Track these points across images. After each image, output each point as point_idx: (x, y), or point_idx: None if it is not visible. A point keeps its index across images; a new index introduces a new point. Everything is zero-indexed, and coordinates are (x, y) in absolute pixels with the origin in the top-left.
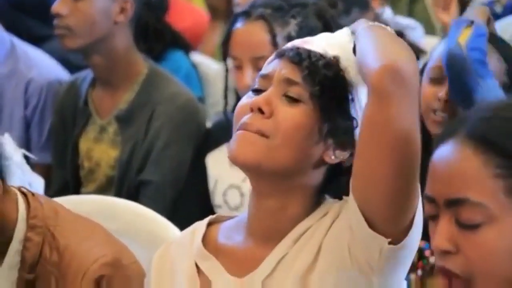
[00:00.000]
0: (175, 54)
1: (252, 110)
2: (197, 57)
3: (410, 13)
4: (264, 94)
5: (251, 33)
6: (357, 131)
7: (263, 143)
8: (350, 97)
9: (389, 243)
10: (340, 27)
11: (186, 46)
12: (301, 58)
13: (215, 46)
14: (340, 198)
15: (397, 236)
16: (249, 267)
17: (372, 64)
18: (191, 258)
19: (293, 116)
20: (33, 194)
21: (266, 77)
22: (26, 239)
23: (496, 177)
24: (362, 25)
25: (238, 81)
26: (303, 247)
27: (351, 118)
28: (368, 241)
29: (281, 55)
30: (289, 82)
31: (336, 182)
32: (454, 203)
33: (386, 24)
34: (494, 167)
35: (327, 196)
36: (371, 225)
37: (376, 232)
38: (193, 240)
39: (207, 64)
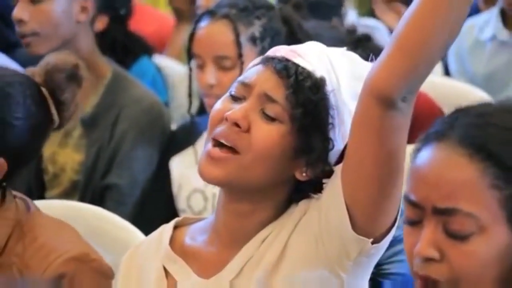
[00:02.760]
0: (140, 60)
1: (228, 121)
2: (161, 60)
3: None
4: (242, 107)
5: (214, 32)
6: (333, 153)
7: (234, 161)
8: (330, 120)
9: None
10: (306, 34)
11: (149, 51)
12: (288, 74)
13: (181, 48)
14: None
15: (378, 237)
16: (215, 268)
17: (379, 68)
18: (159, 260)
19: (268, 135)
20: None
21: (247, 86)
22: None
23: (492, 188)
24: None
25: (200, 80)
26: (269, 247)
27: (328, 140)
28: (348, 241)
29: (267, 63)
30: (269, 99)
31: (306, 191)
32: (444, 212)
33: (352, 27)
34: (491, 178)
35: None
36: (354, 226)
37: (358, 233)
38: (160, 242)
39: (172, 67)
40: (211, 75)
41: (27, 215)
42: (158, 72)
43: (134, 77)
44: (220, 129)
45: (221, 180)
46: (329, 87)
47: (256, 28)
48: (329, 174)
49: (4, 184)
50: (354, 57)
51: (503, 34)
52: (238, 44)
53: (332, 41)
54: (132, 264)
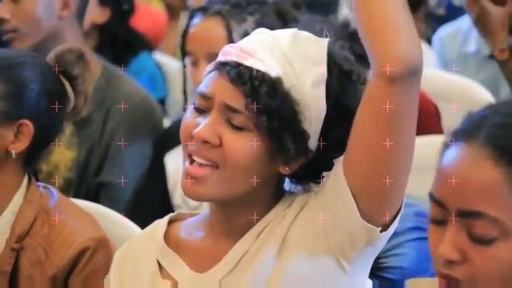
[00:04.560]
0: (140, 56)
1: (197, 140)
2: (157, 56)
3: None
4: (207, 123)
5: (207, 29)
6: (312, 140)
7: (215, 176)
8: (298, 114)
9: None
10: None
11: (149, 47)
12: (242, 80)
13: (175, 45)
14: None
15: (384, 226)
16: (210, 262)
17: (387, 51)
18: (153, 255)
19: (239, 145)
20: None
21: (207, 98)
22: (20, 211)
23: None
24: None
25: (194, 77)
26: (266, 240)
27: (300, 134)
28: (355, 230)
29: (220, 69)
30: (231, 109)
31: (300, 181)
32: (468, 215)
33: (346, 20)
34: None
35: (288, 189)
36: (362, 215)
37: (367, 221)
38: (154, 237)
39: (168, 63)
40: (204, 72)
41: (51, 199)
42: (158, 68)
43: (125, 73)
44: (192, 147)
45: (208, 197)
46: (287, 84)
47: (249, 24)
48: (326, 166)
49: (31, 163)
50: (305, 37)
51: (487, 49)
52: (231, 41)
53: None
54: (125, 261)
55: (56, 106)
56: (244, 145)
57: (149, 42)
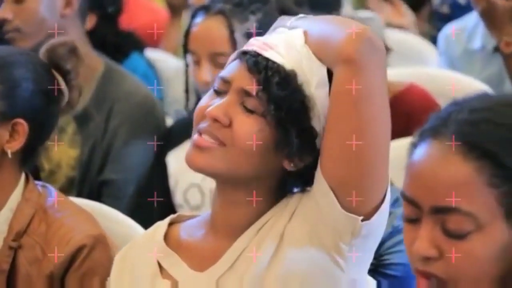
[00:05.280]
0: (130, 57)
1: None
2: (156, 54)
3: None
4: (221, 103)
5: (209, 28)
6: (317, 140)
7: (220, 151)
8: (309, 109)
9: (361, 220)
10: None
11: (140, 47)
12: (258, 69)
13: (176, 43)
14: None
15: (368, 215)
16: (210, 261)
17: (340, 37)
18: (153, 256)
19: (249, 127)
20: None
21: (226, 82)
22: (18, 209)
23: (489, 186)
24: (301, 17)
25: (196, 77)
26: (264, 238)
27: (309, 129)
28: (339, 223)
29: (241, 57)
30: (246, 93)
31: (296, 183)
32: (441, 211)
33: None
34: (488, 176)
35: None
36: (342, 206)
37: (348, 212)
38: (155, 238)
39: (165, 61)
40: (206, 72)
41: (49, 198)
42: (150, 67)
43: (126, 70)
44: (203, 125)
45: (209, 169)
46: (300, 78)
47: (251, 24)
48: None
49: (28, 161)
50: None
51: (492, 44)
52: (233, 41)
53: None
54: (125, 263)
55: (51, 103)
56: (253, 128)
57: (140, 42)
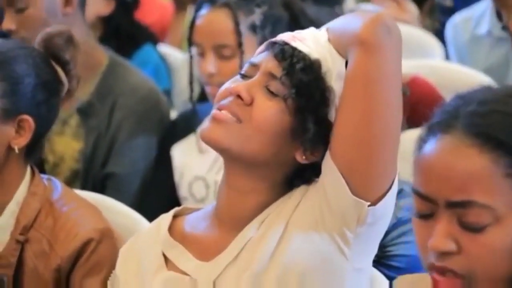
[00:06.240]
0: (143, 48)
1: (232, 94)
2: (163, 48)
3: None
4: (247, 82)
5: (214, 21)
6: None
7: (235, 127)
8: (328, 101)
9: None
10: (309, 19)
11: (153, 39)
12: (283, 56)
13: (182, 36)
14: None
15: (375, 202)
16: (215, 251)
17: (358, 24)
18: (158, 248)
19: (268, 108)
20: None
21: (255, 66)
22: (24, 203)
23: (506, 177)
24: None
25: (200, 68)
26: (269, 228)
27: (326, 121)
28: (347, 208)
29: (270, 47)
30: (272, 76)
31: (307, 174)
32: (458, 205)
33: (352, 11)
34: (504, 167)
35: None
36: (352, 191)
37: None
38: (159, 231)
39: (173, 54)
40: (211, 63)
41: (55, 191)
42: (162, 60)
43: (132, 65)
44: (224, 101)
45: (220, 142)
46: (324, 68)
47: (256, 16)
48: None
49: (32, 154)
50: None
51: (499, 29)
52: (238, 33)
53: None
54: (130, 255)
55: (52, 95)
56: (272, 110)
57: (154, 35)
